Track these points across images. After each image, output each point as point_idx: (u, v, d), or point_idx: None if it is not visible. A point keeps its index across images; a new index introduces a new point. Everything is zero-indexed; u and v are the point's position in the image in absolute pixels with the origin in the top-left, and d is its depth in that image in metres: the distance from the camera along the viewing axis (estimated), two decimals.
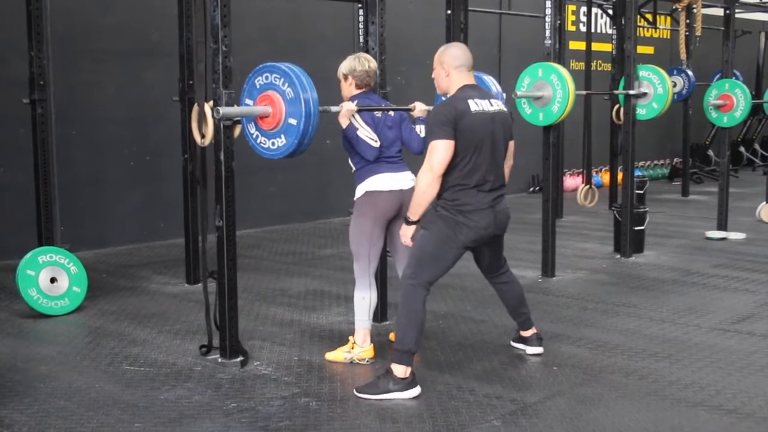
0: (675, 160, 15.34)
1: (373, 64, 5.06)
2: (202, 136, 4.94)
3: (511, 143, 4.77)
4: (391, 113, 5.06)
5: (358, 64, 4.99)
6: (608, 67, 12.06)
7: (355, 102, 4.93)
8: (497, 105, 4.62)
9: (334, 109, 4.83)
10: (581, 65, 11.66)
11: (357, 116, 4.86)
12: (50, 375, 4.75)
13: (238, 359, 4.92)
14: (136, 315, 6.06)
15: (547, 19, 7.21)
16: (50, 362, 4.99)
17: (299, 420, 4.08)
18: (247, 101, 4.73)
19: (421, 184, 4.40)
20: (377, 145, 4.86)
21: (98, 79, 8.48)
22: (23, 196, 7.06)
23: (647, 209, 8.28)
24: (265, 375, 4.74)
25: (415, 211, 4.49)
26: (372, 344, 4.98)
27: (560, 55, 7.68)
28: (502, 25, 12.59)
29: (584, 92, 9.48)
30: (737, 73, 10.80)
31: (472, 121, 4.42)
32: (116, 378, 4.71)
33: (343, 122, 4.84)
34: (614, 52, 10.67)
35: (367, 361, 4.92)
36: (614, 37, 10.70)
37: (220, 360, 4.95)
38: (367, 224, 4.90)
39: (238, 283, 5.01)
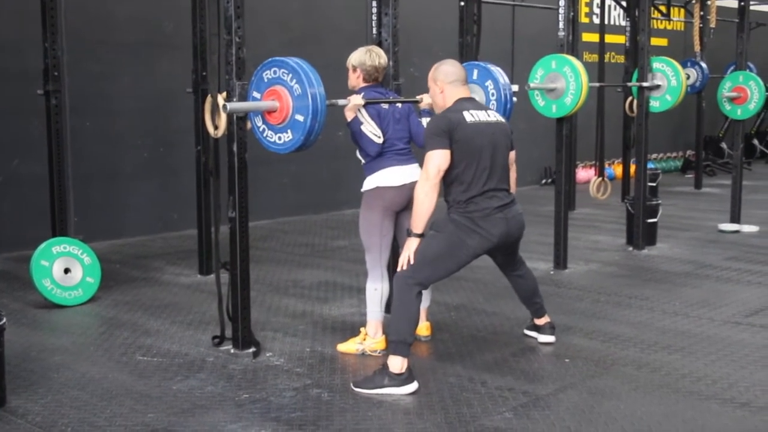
0: (688, 152, 15.28)
1: (384, 59, 5.03)
2: (216, 128, 4.95)
3: (512, 153, 4.77)
4: (399, 105, 5.05)
5: (368, 58, 4.97)
6: (621, 59, 11.98)
7: (362, 95, 4.91)
8: (495, 116, 4.65)
9: (341, 102, 4.80)
10: (594, 57, 11.61)
11: (363, 110, 4.84)
12: (64, 365, 4.78)
13: (251, 350, 4.94)
14: (149, 306, 6.09)
15: (561, 10, 7.19)
16: (64, 352, 5.02)
17: (311, 411, 4.10)
18: (255, 94, 4.70)
19: (419, 194, 4.39)
20: (380, 141, 4.85)
21: (112, 71, 8.50)
22: (37, 187, 7.10)
23: (660, 202, 8.26)
24: (278, 366, 4.76)
25: (418, 224, 4.44)
26: (384, 336, 4.97)
27: (573, 47, 7.65)
28: (515, 17, 12.55)
29: (597, 84, 9.44)
30: (751, 66, 10.74)
31: (468, 131, 4.45)
32: (129, 368, 4.73)
33: (349, 115, 4.84)
34: (627, 44, 10.61)
35: (379, 353, 4.92)
36: (628, 29, 10.64)
37: (232, 351, 4.97)
38: (376, 216, 4.91)
39: (250, 274, 5.03)
